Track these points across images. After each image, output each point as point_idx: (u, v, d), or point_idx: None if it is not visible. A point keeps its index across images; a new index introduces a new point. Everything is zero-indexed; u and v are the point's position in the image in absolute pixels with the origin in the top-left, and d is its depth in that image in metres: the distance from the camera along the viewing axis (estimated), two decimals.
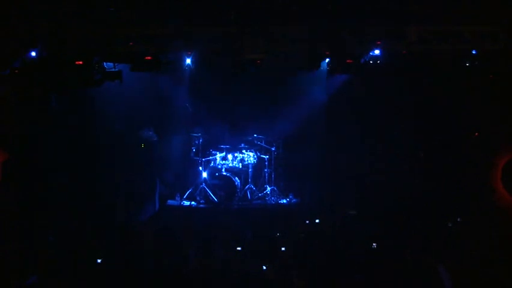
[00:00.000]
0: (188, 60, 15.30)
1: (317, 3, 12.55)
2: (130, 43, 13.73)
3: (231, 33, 13.36)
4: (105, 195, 16.40)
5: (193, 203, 17.49)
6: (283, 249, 13.67)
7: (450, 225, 14.88)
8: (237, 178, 17.70)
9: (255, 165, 18.13)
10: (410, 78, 16.00)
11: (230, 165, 17.87)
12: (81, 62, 13.92)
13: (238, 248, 13.69)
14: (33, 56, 13.25)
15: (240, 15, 12.84)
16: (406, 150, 17.39)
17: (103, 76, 14.06)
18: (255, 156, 18.10)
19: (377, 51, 14.10)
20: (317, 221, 15.82)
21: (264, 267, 12.30)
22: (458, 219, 14.99)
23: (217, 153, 17.93)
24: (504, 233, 13.14)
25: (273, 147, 18.14)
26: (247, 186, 17.91)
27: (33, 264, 11.87)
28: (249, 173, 18.02)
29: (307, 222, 15.81)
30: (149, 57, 14.49)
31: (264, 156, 18.13)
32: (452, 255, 12.09)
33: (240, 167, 17.95)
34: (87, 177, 16.44)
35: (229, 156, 17.88)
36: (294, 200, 17.99)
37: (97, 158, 16.76)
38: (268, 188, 18.00)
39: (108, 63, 14.54)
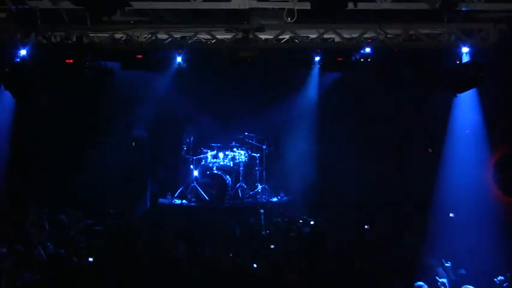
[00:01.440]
0: (179, 59, 15.30)
1: (308, 2, 12.53)
2: (121, 41, 13.69)
3: (222, 31, 13.35)
4: (97, 194, 16.38)
5: (184, 201, 17.48)
6: (272, 246, 13.72)
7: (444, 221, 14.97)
8: (228, 176, 17.72)
9: (246, 164, 18.15)
10: (401, 75, 16.02)
11: (221, 163, 17.89)
12: (71, 61, 13.86)
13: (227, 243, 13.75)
14: (24, 55, 13.21)
15: (232, 14, 12.83)
16: (399, 147, 17.42)
17: (94, 73, 14.03)
18: (246, 155, 18.12)
19: (368, 49, 14.12)
20: (312, 222, 15.87)
21: (255, 265, 12.33)
22: (451, 215, 15.07)
23: (209, 151, 17.94)
24: (496, 229, 13.23)
25: (264, 145, 18.15)
26: (238, 185, 17.92)
27: (28, 264, 11.86)
28: (240, 171, 18.04)
29: (301, 221, 15.87)
30: (140, 56, 14.46)
31: (255, 155, 18.16)
32: (446, 251, 12.17)
33: (231, 165, 17.96)
34: (80, 175, 16.43)
35: (221, 155, 17.90)
36: (285, 198, 18.00)
37: (89, 157, 16.75)
38: (260, 186, 18.03)
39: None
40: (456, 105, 15.29)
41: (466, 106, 15.15)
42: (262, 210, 15.47)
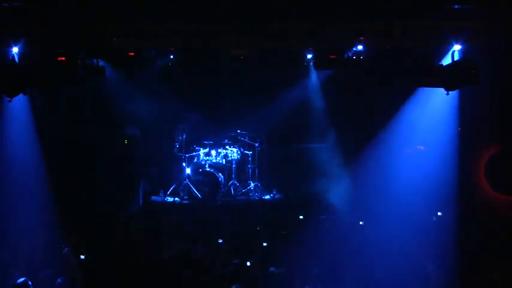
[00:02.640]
0: (172, 56, 15.25)
1: None
2: (114, 39, 13.65)
3: (215, 29, 13.36)
4: (90, 192, 16.34)
5: (176, 199, 17.47)
6: (264, 244, 13.75)
7: (434, 219, 15.03)
8: (220, 174, 17.72)
9: (238, 161, 18.16)
10: (394, 73, 16.02)
11: (214, 161, 17.88)
12: (63, 58, 13.83)
13: (220, 241, 13.75)
14: (16, 53, 13.20)
15: (224, 11, 12.84)
16: (390, 145, 17.43)
17: (86, 71, 14.01)
18: (239, 152, 18.12)
19: (360, 47, 14.15)
20: (301, 217, 15.93)
21: (248, 263, 12.36)
22: (439, 214, 15.14)
23: (201, 149, 17.92)
24: (487, 227, 13.29)
25: (256, 142, 18.16)
26: (230, 182, 17.94)
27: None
28: (233, 169, 18.05)
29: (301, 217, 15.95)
30: (132, 53, 14.43)
31: (247, 152, 18.17)
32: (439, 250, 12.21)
33: (224, 163, 17.96)
34: (72, 174, 16.38)
35: (213, 152, 17.88)
36: (278, 195, 18.02)
37: (81, 155, 16.71)
38: (252, 184, 18.03)
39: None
40: (447, 102, 15.36)
41: (457, 104, 15.27)
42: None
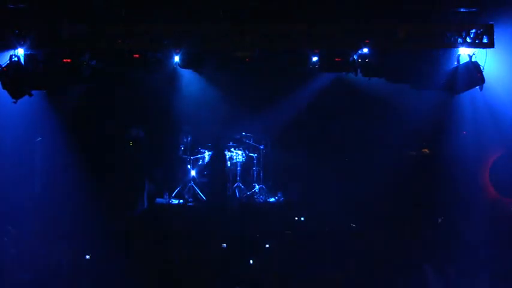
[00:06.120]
0: (177, 58, 15.25)
1: (306, 1, 12.59)
2: (119, 40, 13.66)
3: (220, 30, 13.37)
4: (94, 194, 16.36)
5: (181, 201, 17.47)
6: (267, 246, 13.80)
7: (440, 220, 15.03)
8: None
9: (243, 164, 18.14)
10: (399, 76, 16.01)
11: None
12: (69, 60, 13.87)
13: (224, 245, 13.77)
14: (21, 55, 13.25)
15: (229, 13, 12.85)
16: (395, 148, 17.42)
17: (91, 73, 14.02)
18: (244, 155, 18.11)
19: (365, 50, 14.13)
20: (302, 218, 15.95)
21: (251, 261, 12.42)
22: (442, 218, 15.15)
23: (206, 151, 17.92)
24: (491, 230, 13.28)
25: (261, 145, 18.15)
26: (235, 185, 17.92)
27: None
28: (238, 171, 18.03)
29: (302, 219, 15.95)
30: (137, 55, 14.44)
31: (252, 155, 18.15)
32: (440, 253, 12.20)
33: (229, 165, 17.94)
34: (76, 176, 16.42)
35: None
36: (283, 198, 17.99)
37: (85, 157, 16.74)
38: (257, 187, 18.02)
39: None
40: (454, 105, 15.34)
41: (465, 107, 15.24)
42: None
